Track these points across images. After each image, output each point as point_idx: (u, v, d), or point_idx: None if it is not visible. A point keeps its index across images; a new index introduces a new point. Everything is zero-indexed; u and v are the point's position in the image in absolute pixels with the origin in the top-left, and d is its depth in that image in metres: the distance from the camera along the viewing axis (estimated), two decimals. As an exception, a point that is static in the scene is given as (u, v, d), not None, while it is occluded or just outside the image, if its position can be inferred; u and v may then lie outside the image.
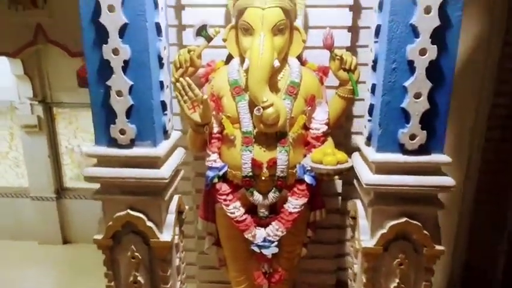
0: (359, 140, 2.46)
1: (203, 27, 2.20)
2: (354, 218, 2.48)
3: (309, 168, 2.24)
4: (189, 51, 2.24)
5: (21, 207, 6.49)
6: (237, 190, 2.31)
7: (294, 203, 2.31)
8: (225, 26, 2.33)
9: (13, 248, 6.41)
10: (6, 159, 6.64)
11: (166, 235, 1.84)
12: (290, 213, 2.31)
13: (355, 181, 2.44)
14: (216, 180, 2.25)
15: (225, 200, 2.29)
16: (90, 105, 1.73)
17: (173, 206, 1.93)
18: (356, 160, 2.36)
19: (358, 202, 2.40)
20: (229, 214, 2.28)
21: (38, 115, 6.12)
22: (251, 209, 2.35)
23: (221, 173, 2.26)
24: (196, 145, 2.31)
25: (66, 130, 6.54)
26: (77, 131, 6.65)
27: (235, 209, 2.28)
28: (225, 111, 2.25)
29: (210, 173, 2.27)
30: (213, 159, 2.27)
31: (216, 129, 2.27)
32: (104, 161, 1.76)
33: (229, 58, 2.35)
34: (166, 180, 1.75)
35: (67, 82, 6.03)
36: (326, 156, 2.07)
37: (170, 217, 1.88)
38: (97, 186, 1.96)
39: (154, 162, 1.75)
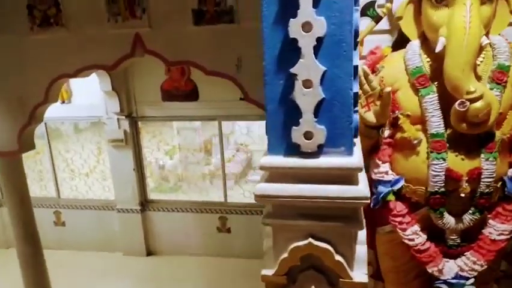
0: None
1: (370, 5, 1.69)
2: None
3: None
4: None
5: (107, 220, 6.30)
6: (414, 210, 1.73)
7: (500, 228, 1.65)
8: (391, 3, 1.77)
9: (99, 259, 6.22)
10: (94, 172, 6.49)
11: (358, 274, 1.28)
12: (493, 241, 1.66)
13: None
14: (390, 197, 1.69)
15: (400, 222, 1.71)
16: (265, 100, 1.22)
17: (362, 234, 1.37)
18: None
19: None
20: (406, 241, 1.70)
21: (125, 129, 5.92)
22: (433, 234, 1.74)
23: (396, 188, 1.70)
24: None
25: (149, 143, 6.30)
26: (160, 145, 6.40)
27: (414, 235, 1.69)
28: (402, 108, 1.69)
29: (383, 189, 1.70)
30: (384, 171, 1.71)
31: (386, 132, 1.72)
32: (278, 175, 1.25)
33: (399, 42, 1.80)
34: (367, 201, 1.21)
35: (151, 97, 5.80)
36: None
37: (362, 249, 1.32)
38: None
39: (349, 176, 1.22)
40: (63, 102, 5.93)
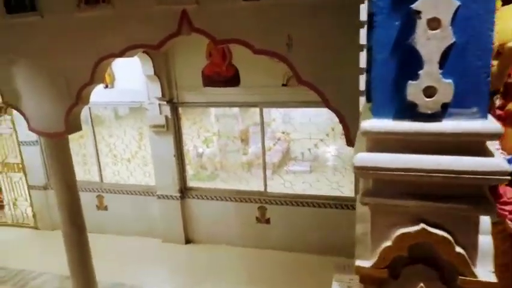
0: None
1: None
2: None
3: None
4: None
5: (148, 205, 6.24)
6: (528, 199, 1.42)
7: None
8: None
9: (139, 244, 6.18)
10: (136, 158, 6.44)
11: (483, 271, 1.01)
12: None
13: None
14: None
15: (511, 212, 1.41)
16: (374, 48, 0.95)
17: (486, 222, 1.08)
18: None
19: None
20: (520, 237, 1.40)
21: (166, 115, 5.80)
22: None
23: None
24: None
25: (190, 130, 6.16)
26: (200, 131, 6.24)
27: (531, 230, 1.39)
28: (520, 71, 1.39)
29: (491, 169, 1.40)
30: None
31: (496, 101, 1.42)
32: (385, 143, 0.99)
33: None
34: (508, 177, 0.93)
35: (192, 82, 5.63)
36: None
37: (487, 240, 1.04)
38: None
39: (479, 145, 0.94)
40: (106, 86, 5.88)
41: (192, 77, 5.61)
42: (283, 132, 5.57)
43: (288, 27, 3.06)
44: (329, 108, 3.18)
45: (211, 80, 5.54)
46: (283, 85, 5.31)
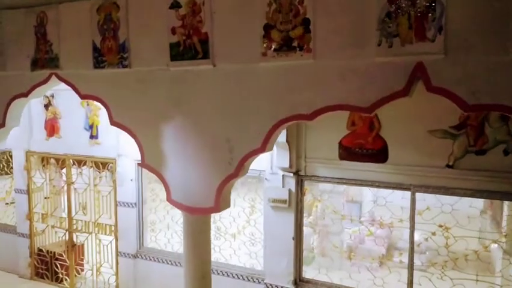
0: None
1: None
2: None
3: None
4: None
5: (251, 294, 4.85)
6: None
7: None
8: None
9: None
10: (242, 234, 5.20)
11: None
12: None
13: None
14: None
15: None
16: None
17: None
18: None
19: None
20: None
21: (290, 189, 4.63)
22: None
23: None
24: None
25: (315, 209, 4.89)
26: (326, 211, 4.96)
27: None
28: None
29: None
30: None
31: None
32: None
33: None
34: None
35: (326, 153, 4.48)
36: None
37: None
38: None
39: None
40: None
41: (327, 147, 4.48)
42: (440, 226, 4.15)
43: None
44: None
45: (350, 152, 4.38)
46: (448, 166, 4.00)
